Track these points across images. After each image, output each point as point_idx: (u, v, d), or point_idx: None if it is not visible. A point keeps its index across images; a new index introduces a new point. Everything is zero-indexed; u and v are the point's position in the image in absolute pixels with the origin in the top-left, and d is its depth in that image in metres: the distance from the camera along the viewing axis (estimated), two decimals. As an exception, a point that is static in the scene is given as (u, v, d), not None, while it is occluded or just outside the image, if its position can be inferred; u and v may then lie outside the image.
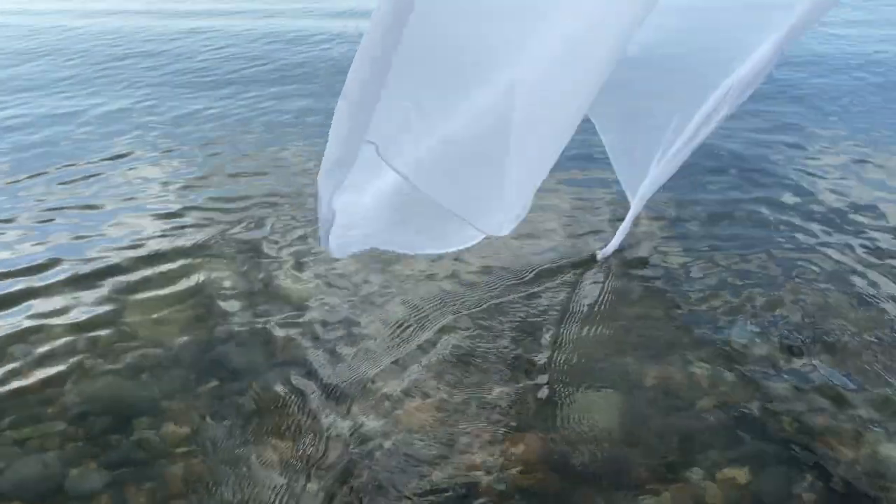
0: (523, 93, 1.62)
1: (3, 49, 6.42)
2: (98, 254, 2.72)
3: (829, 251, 2.61)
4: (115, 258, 2.68)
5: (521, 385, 2.00)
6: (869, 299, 2.32)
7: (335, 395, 1.96)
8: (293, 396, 1.96)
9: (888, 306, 2.28)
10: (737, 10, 2.24)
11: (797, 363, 2.04)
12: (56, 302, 2.42)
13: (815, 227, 2.80)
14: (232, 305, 2.38)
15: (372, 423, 1.86)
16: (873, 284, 2.40)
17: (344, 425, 1.86)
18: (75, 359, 2.13)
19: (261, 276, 2.55)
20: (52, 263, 2.65)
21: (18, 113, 4.51)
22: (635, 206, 2.54)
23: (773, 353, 2.08)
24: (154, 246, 2.77)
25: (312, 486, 1.68)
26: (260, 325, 2.27)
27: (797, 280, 2.44)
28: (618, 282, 2.47)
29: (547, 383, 2.01)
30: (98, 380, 2.05)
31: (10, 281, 2.55)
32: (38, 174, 3.50)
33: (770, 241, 2.71)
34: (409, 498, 1.65)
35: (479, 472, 1.71)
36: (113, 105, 4.63)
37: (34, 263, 2.66)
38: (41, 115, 4.45)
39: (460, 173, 1.65)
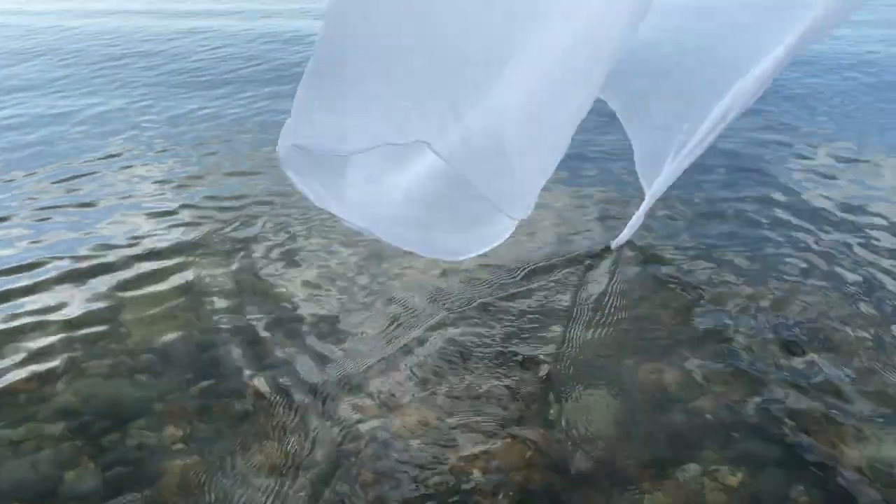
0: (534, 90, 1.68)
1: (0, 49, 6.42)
2: (93, 252, 2.72)
3: (828, 249, 2.62)
4: (109, 257, 2.68)
5: (516, 385, 2.00)
6: (868, 298, 2.32)
7: (328, 396, 1.96)
8: (286, 397, 1.96)
9: (887, 305, 2.29)
10: (756, 10, 2.28)
11: (795, 362, 2.04)
12: (50, 300, 2.42)
13: (811, 225, 2.81)
14: (226, 305, 2.38)
15: (365, 424, 1.86)
16: (871, 283, 2.41)
17: (336, 426, 1.86)
18: (70, 358, 2.13)
19: (255, 275, 2.55)
20: (47, 262, 2.65)
21: (14, 112, 4.51)
22: (649, 198, 2.59)
23: (771, 353, 2.09)
24: (149, 245, 2.77)
25: (305, 487, 1.68)
26: (254, 325, 2.27)
27: (794, 279, 2.44)
28: (614, 281, 2.47)
29: (543, 382, 2.01)
30: (93, 380, 2.05)
31: (3, 279, 2.55)
32: (34, 173, 3.50)
33: (766, 240, 2.72)
34: (403, 499, 1.65)
35: (473, 473, 1.71)
36: (109, 105, 4.63)
37: (28, 261, 2.66)
38: (37, 115, 4.45)
39: (493, 160, 1.68)
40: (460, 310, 2.32)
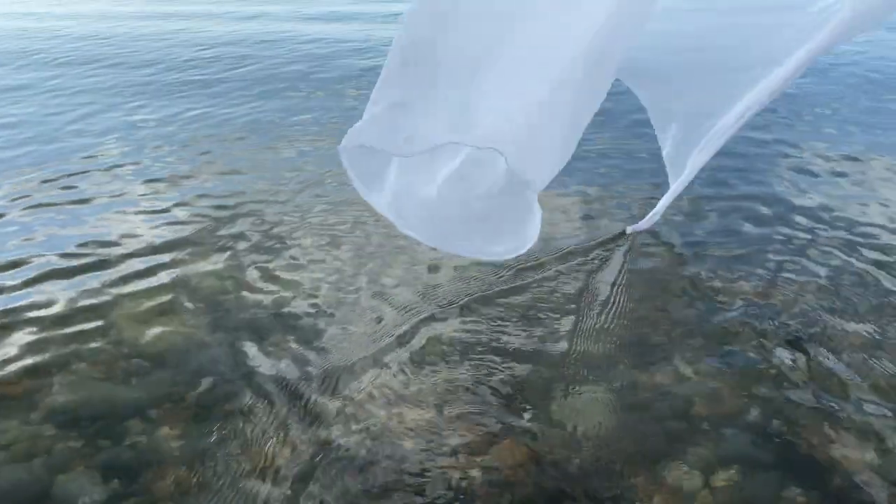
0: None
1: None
2: (85, 251, 2.71)
3: (828, 249, 2.63)
4: (102, 255, 2.67)
5: (510, 386, 2.00)
6: (866, 299, 2.33)
7: (323, 395, 1.96)
8: (281, 397, 1.96)
9: (885, 304, 2.30)
10: (778, 11, 2.36)
11: (792, 362, 2.05)
12: (42, 301, 2.40)
13: (810, 224, 2.83)
14: (219, 304, 2.38)
15: (360, 423, 1.86)
16: (870, 285, 2.41)
17: (330, 425, 1.86)
18: (61, 361, 2.12)
19: (248, 274, 2.55)
20: (38, 259, 2.64)
21: (7, 112, 4.49)
22: (674, 189, 2.67)
23: (768, 353, 2.09)
24: (141, 243, 2.76)
25: (299, 488, 1.67)
26: (247, 324, 2.27)
27: (792, 278, 2.45)
28: (610, 282, 2.48)
29: (538, 383, 2.01)
30: (86, 381, 2.04)
31: (-4, 280, 2.54)
32: (26, 171, 3.48)
33: (764, 238, 2.73)
34: (398, 499, 1.64)
35: (468, 473, 1.71)
36: (101, 104, 4.61)
37: (19, 259, 2.66)
38: (29, 114, 4.44)
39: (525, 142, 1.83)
40: (457, 308, 2.32)
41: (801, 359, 2.07)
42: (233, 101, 4.62)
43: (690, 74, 2.48)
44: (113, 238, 2.82)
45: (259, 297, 2.42)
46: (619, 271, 2.53)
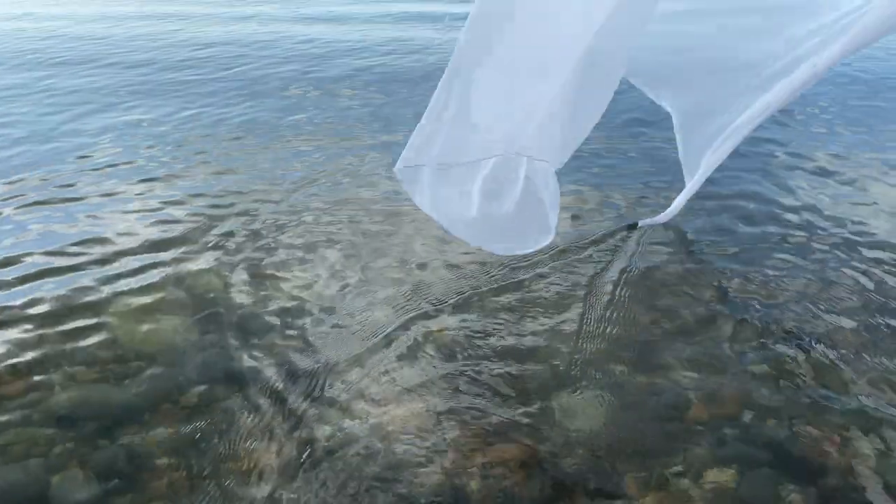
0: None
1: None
2: (78, 250, 2.71)
3: (822, 247, 2.65)
4: (95, 255, 2.68)
5: (506, 384, 2.01)
6: (863, 298, 2.35)
7: (319, 396, 1.97)
8: (276, 398, 1.97)
9: (884, 306, 2.30)
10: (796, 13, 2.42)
11: (787, 367, 2.06)
12: (37, 302, 2.40)
13: (802, 222, 2.85)
14: (214, 305, 2.38)
15: (355, 425, 1.87)
16: (867, 282, 2.43)
17: (326, 426, 1.86)
18: (55, 360, 2.12)
19: (242, 274, 2.55)
20: (32, 261, 2.64)
21: (1, 111, 4.48)
22: (690, 187, 2.72)
23: (766, 354, 2.10)
24: (135, 243, 2.76)
25: (295, 490, 1.68)
26: (242, 325, 2.27)
27: (789, 279, 2.46)
28: (605, 280, 2.49)
29: (533, 382, 2.01)
30: (79, 382, 2.04)
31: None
32: (19, 170, 3.48)
33: (758, 237, 2.75)
34: (394, 500, 1.65)
35: (463, 477, 1.71)
36: (95, 104, 4.60)
37: (13, 259, 2.66)
38: (23, 113, 4.42)
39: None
40: (452, 306, 2.33)
41: (800, 357, 2.08)
42: (228, 101, 4.61)
43: (705, 71, 2.55)
44: (107, 236, 2.82)
45: (253, 296, 2.43)
46: (616, 270, 2.54)
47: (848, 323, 2.23)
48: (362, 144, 3.79)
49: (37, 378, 2.06)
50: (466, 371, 2.06)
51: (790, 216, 2.91)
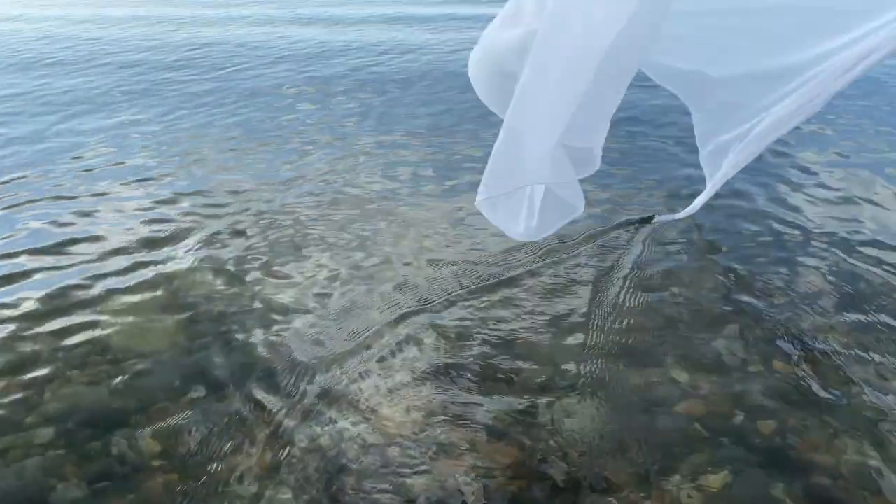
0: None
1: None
2: (71, 251, 2.70)
3: (822, 248, 2.64)
4: (90, 256, 2.66)
5: (502, 384, 2.00)
6: (862, 300, 2.34)
7: (314, 399, 1.96)
8: (271, 401, 1.95)
9: (882, 311, 2.29)
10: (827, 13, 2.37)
11: (781, 369, 2.05)
12: (32, 305, 2.39)
13: (803, 223, 2.83)
14: (210, 306, 2.37)
15: (349, 427, 1.86)
16: (865, 285, 2.42)
17: (320, 429, 1.85)
18: (54, 365, 2.11)
19: (235, 274, 2.54)
20: (22, 260, 2.63)
21: (-7, 113, 4.48)
22: (711, 187, 2.73)
23: (758, 359, 2.09)
24: (131, 243, 2.75)
25: (289, 494, 1.67)
26: (237, 327, 2.26)
27: (788, 283, 2.45)
28: (604, 282, 2.47)
29: (530, 382, 2.01)
30: (70, 385, 2.03)
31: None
32: (10, 172, 3.47)
33: (758, 238, 2.74)
34: (390, 501, 1.64)
35: (459, 480, 1.70)
36: (91, 104, 4.60)
37: (3, 257, 2.65)
38: (17, 113, 4.42)
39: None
40: (449, 305, 2.33)
41: (796, 358, 2.08)
42: (221, 101, 4.61)
43: (728, 71, 2.54)
44: (99, 235, 2.81)
45: (246, 295, 2.42)
46: (614, 270, 2.53)
47: (846, 323, 2.22)
48: (356, 144, 3.78)
49: (27, 377, 2.05)
50: (460, 370, 2.05)
51: (789, 218, 2.89)
